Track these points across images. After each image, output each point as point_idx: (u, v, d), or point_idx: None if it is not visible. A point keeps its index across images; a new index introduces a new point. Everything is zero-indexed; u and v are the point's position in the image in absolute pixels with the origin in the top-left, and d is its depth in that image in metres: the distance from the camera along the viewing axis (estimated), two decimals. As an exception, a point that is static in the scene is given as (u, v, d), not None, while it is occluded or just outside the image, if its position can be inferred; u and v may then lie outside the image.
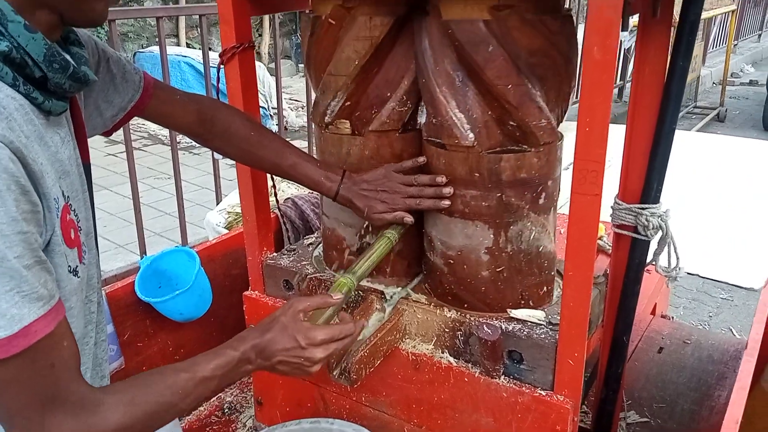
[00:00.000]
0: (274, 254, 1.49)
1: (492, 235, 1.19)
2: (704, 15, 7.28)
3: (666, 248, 1.31)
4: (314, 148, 1.45)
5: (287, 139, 1.31)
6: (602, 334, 1.36)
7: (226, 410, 1.69)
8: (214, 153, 3.79)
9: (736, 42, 10.55)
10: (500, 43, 1.04)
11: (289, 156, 1.23)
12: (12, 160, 0.65)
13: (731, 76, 9.24)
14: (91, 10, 0.76)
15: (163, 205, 4.96)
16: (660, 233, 1.26)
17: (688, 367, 1.84)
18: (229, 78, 1.32)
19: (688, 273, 1.57)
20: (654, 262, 1.32)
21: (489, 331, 1.10)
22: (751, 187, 2.25)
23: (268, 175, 1.45)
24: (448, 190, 1.18)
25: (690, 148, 2.68)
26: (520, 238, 1.19)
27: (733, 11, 7.48)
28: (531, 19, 1.04)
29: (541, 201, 1.19)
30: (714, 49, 9.89)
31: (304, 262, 1.45)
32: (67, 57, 0.77)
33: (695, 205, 2.12)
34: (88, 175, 0.89)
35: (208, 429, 1.63)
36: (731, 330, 3.36)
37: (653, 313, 2.30)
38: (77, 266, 0.80)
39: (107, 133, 1.07)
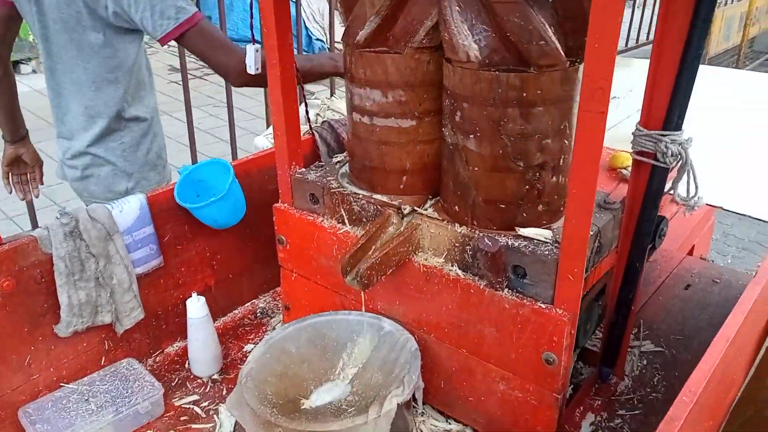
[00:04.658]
0: (303, 169, 1.56)
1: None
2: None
3: (685, 177, 1.30)
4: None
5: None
6: (616, 260, 1.38)
7: (259, 314, 1.81)
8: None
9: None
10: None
11: None
12: None
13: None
14: None
15: (219, 132, 5.13)
16: (680, 161, 1.26)
17: (713, 305, 1.84)
18: (263, 6, 1.36)
19: (711, 205, 1.54)
20: (672, 191, 1.32)
21: (489, 243, 1.14)
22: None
23: (298, 95, 1.51)
24: None
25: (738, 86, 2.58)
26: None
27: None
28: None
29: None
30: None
31: (330, 178, 1.52)
32: None
33: (737, 142, 2.06)
34: None
35: (240, 330, 1.76)
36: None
37: (690, 254, 2.27)
38: None
39: None
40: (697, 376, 0.93)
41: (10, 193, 2.25)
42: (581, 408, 1.45)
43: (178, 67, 3.20)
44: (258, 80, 1.64)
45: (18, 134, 2.18)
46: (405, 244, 1.31)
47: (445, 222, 1.31)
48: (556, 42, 1.13)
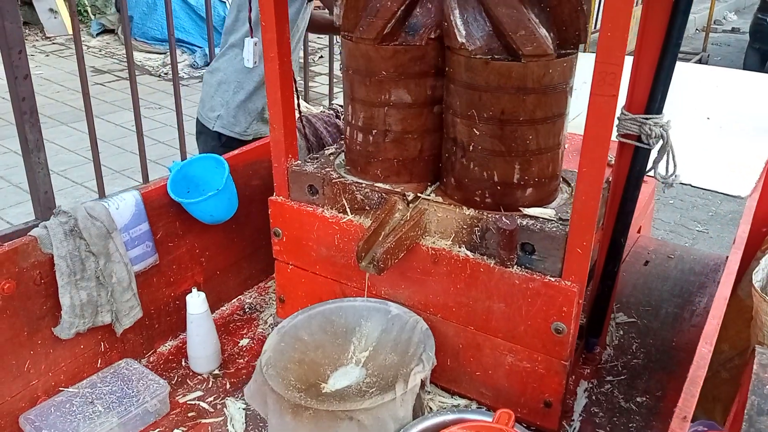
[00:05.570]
0: (299, 161, 1.58)
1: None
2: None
3: (665, 157, 1.43)
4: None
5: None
6: (602, 235, 1.49)
7: (248, 310, 1.81)
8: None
9: (721, -12, 10.57)
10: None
11: None
12: None
13: (714, 23, 9.32)
14: None
15: (156, 134, 4.98)
16: (661, 142, 1.38)
17: (672, 278, 2.00)
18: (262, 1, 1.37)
19: (682, 183, 1.69)
20: (654, 169, 1.44)
21: (507, 221, 1.22)
22: (740, 115, 2.39)
23: (294, 89, 1.54)
24: None
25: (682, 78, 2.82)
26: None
27: (721, -45, 7.49)
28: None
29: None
30: (700, -6, 9.91)
31: (328, 169, 1.55)
32: None
33: (689, 127, 2.25)
34: None
35: (231, 326, 1.75)
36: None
37: (639, 233, 2.45)
38: None
39: None
40: (708, 328, 1.04)
41: None
42: (573, 377, 1.56)
43: (101, 68, 3.13)
44: None
45: None
46: (415, 228, 1.36)
47: (452, 206, 1.38)
48: (458, 26, 1.26)
